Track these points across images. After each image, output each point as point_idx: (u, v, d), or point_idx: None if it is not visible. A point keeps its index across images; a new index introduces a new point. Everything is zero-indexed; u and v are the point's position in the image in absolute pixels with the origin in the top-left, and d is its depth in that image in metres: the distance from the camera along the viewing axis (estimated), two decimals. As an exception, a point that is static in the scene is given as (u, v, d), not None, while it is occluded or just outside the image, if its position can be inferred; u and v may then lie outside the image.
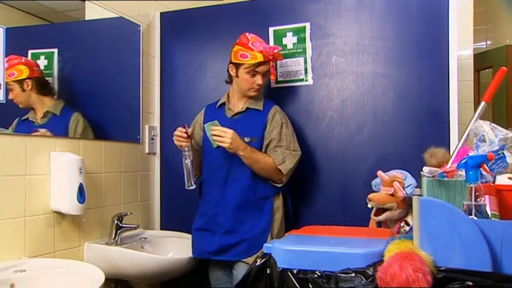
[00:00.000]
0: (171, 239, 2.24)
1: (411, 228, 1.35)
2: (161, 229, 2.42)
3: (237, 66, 1.92)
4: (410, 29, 1.99)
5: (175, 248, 2.18)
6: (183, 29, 2.39)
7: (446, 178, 1.38)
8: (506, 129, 1.44)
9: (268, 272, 1.35)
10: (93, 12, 2.04)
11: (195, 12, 2.38)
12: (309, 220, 2.04)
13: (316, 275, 1.27)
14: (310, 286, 1.27)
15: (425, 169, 1.41)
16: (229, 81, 2.01)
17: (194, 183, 1.91)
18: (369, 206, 1.75)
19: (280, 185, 1.92)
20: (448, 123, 1.90)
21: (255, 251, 1.77)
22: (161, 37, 2.44)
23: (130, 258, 1.89)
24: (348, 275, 1.23)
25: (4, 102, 1.63)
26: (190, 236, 2.04)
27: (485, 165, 1.28)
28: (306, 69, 2.14)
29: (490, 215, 1.21)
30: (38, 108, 1.78)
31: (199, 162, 2.03)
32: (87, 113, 1.99)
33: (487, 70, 3.34)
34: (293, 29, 2.16)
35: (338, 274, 1.23)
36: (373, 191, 1.78)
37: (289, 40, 2.16)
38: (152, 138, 2.42)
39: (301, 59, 2.14)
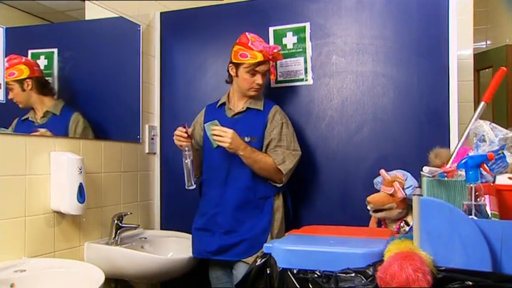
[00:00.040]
0: (171, 239, 2.24)
1: (411, 228, 1.35)
2: (161, 229, 2.42)
3: (237, 65, 1.92)
4: (410, 29, 1.99)
5: (175, 248, 2.18)
6: (183, 29, 2.39)
7: (446, 178, 1.38)
8: (506, 129, 1.44)
9: (268, 271, 1.35)
10: (93, 12, 2.04)
11: (195, 12, 2.38)
12: (309, 220, 2.04)
13: (316, 275, 1.27)
14: (310, 286, 1.27)
15: (425, 169, 1.41)
16: (230, 81, 2.01)
17: (194, 183, 1.91)
18: (368, 208, 1.75)
19: (280, 185, 1.92)
20: (448, 123, 1.90)
21: (255, 250, 1.77)
22: (161, 37, 2.44)
23: (130, 258, 1.89)
24: (348, 274, 1.23)
25: (4, 102, 1.63)
26: (190, 236, 2.04)
27: (485, 165, 1.28)
28: (306, 69, 2.14)
29: (490, 215, 1.21)
30: (38, 108, 1.78)
31: (199, 162, 2.03)
32: (87, 112, 1.99)
33: (487, 70, 3.34)
34: (293, 29, 2.16)
35: (338, 274, 1.23)
36: (373, 191, 1.78)
37: (289, 40, 2.16)
38: (152, 138, 2.42)
39: (301, 59, 2.14)
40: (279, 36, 2.18)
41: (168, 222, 2.41)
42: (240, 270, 1.85)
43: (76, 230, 1.91)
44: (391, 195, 1.70)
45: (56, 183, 1.76)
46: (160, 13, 2.44)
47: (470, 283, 1.10)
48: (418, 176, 1.54)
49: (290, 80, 2.17)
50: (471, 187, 1.22)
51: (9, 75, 1.65)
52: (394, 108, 2.00)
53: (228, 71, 1.98)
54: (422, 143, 1.86)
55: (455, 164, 1.35)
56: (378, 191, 1.76)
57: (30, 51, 1.76)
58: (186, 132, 1.89)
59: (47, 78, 1.84)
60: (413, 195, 1.26)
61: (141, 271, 1.91)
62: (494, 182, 1.34)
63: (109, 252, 1.93)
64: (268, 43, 2.10)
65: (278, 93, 2.16)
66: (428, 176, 1.38)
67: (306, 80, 2.14)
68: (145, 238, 2.21)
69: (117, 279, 2.00)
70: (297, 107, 2.14)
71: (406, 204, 1.73)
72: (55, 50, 1.86)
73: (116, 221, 2.02)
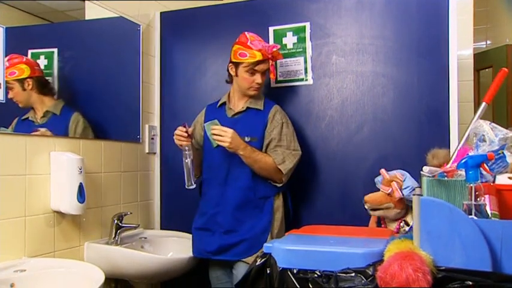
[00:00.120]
0: (171, 239, 2.24)
1: (411, 228, 1.35)
2: (161, 229, 2.42)
3: (237, 65, 1.92)
4: (410, 29, 1.99)
5: (175, 248, 2.18)
6: (183, 29, 2.39)
7: (446, 178, 1.38)
8: (506, 129, 1.44)
9: (268, 271, 1.35)
10: (93, 12, 2.04)
11: (194, 12, 2.38)
12: (309, 220, 2.04)
13: (316, 275, 1.27)
14: (310, 286, 1.27)
15: (425, 169, 1.41)
16: (230, 80, 2.01)
17: (194, 183, 1.91)
18: (366, 207, 1.76)
19: (280, 185, 1.92)
20: (448, 123, 1.90)
21: (255, 250, 1.77)
22: (161, 37, 2.44)
23: (130, 258, 1.89)
24: (348, 274, 1.23)
25: (4, 101, 1.63)
26: (190, 235, 2.04)
27: (485, 165, 1.28)
28: (306, 69, 2.14)
29: (490, 215, 1.21)
30: (38, 108, 1.78)
31: (199, 162, 2.03)
32: (87, 112, 1.99)
33: (487, 70, 3.35)
34: (293, 29, 2.16)
35: (338, 274, 1.23)
36: (373, 191, 1.78)
37: (289, 40, 2.16)
38: (152, 138, 2.42)
39: (301, 59, 2.14)
40: (279, 36, 2.18)
41: (168, 222, 2.41)
42: (240, 270, 1.85)
43: (76, 230, 1.91)
44: (389, 194, 1.71)
45: (56, 183, 1.76)
46: (160, 13, 2.44)
47: (470, 283, 1.10)
48: (418, 176, 1.54)
49: (290, 80, 2.17)
50: (471, 187, 1.22)
51: (10, 75, 1.65)
52: (394, 108, 2.00)
53: (228, 70, 1.98)
54: (422, 143, 1.86)
55: (455, 164, 1.35)
56: (379, 190, 1.76)
57: (30, 51, 1.76)
58: (186, 132, 1.89)
59: (47, 78, 1.84)
60: (413, 195, 1.26)
61: (141, 271, 1.91)
62: (494, 181, 1.34)
63: (109, 252, 1.93)
64: (268, 43, 2.10)
65: (278, 93, 2.16)
66: (428, 176, 1.38)
67: (306, 80, 2.14)
68: (145, 238, 2.21)
69: (117, 279, 2.00)
70: (297, 107, 2.14)
71: (404, 205, 1.73)
72: (55, 50, 1.86)
73: (116, 221, 2.02)
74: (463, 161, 1.26)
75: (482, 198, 1.21)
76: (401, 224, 1.73)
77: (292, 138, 1.95)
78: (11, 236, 1.61)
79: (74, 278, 1.55)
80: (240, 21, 2.22)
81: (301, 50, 2.14)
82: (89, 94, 2.05)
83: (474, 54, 2.49)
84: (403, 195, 1.69)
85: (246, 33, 1.92)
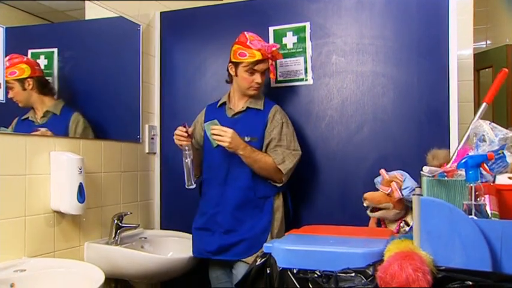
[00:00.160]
0: (171, 239, 2.24)
1: (411, 228, 1.35)
2: (161, 229, 2.42)
3: (236, 65, 1.92)
4: (410, 29, 1.99)
5: (175, 248, 2.18)
6: (182, 29, 2.39)
7: (446, 178, 1.38)
8: (506, 129, 1.44)
9: (268, 271, 1.35)
10: (93, 12, 2.04)
11: (194, 12, 2.38)
12: (309, 220, 2.04)
13: (316, 275, 1.27)
14: (310, 286, 1.27)
15: (425, 169, 1.41)
16: (230, 80, 2.01)
17: (194, 183, 1.91)
18: (364, 205, 1.76)
19: (280, 185, 1.92)
20: (448, 123, 1.90)
21: (255, 250, 1.77)
22: (161, 37, 2.44)
23: (130, 258, 1.89)
24: (348, 274, 1.23)
25: (4, 101, 1.63)
26: (190, 235, 2.04)
27: (485, 165, 1.28)
28: (305, 69, 2.14)
29: (490, 215, 1.21)
30: (38, 108, 1.78)
31: (199, 162, 2.03)
32: (87, 112, 1.99)
33: (487, 70, 3.35)
34: (293, 29, 2.16)
35: (338, 274, 1.23)
36: (373, 190, 1.78)
37: (289, 40, 2.16)
38: (152, 138, 2.42)
39: (301, 59, 2.14)
40: (279, 36, 2.18)
41: (168, 222, 2.41)
42: (240, 270, 1.84)
43: (76, 230, 1.91)
44: (388, 194, 1.71)
45: (56, 183, 1.76)
46: (160, 13, 2.44)
47: (470, 283, 1.11)
48: (418, 176, 1.54)
49: (290, 80, 2.17)
50: (471, 187, 1.22)
51: (10, 74, 1.65)
52: (394, 108, 2.00)
53: (227, 70, 1.98)
54: (422, 143, 1.86)
55: (455, 164, 1.35)
56: (378, 190, 1.76)
57: (30, 51, 1.76)
58: (186, 132, 1.89)
59: (47, 78, 1.84)
60: (413, 195, 1.26)
61: (141, 271, 1.91)
62: (494, 181, 1.35)
63: (109, 252, 1.93)
64: (268, 42, 2.10)
65: (278, 93, 2.16)
66: (428, 176, 1.38)
67: (306, 80, 2.14)
68: (145, 238, 2.21)
69: (117, 279, 2.00)
70: (297, 107, 2.14)
71: (403, 205, 1.73)
72: (55, 50, 1.86)
73: (115, 221, 2.02)
74: (463, 161, 1.26)
75: (482, 198, 1.21)
76: (402, 224, 1.73)
77: (292, 138, 1.95)
78: (11, 236, 1.61)
79: (74, 278, 1.55)
80: (240, 21, 2.22)
81: (301, 50, 2.14)
82: (89, 94, 2.05)
83: (474, 54, 2.49)
84: (402, 195, 1.69)
85: (245, 33, 1.93)
